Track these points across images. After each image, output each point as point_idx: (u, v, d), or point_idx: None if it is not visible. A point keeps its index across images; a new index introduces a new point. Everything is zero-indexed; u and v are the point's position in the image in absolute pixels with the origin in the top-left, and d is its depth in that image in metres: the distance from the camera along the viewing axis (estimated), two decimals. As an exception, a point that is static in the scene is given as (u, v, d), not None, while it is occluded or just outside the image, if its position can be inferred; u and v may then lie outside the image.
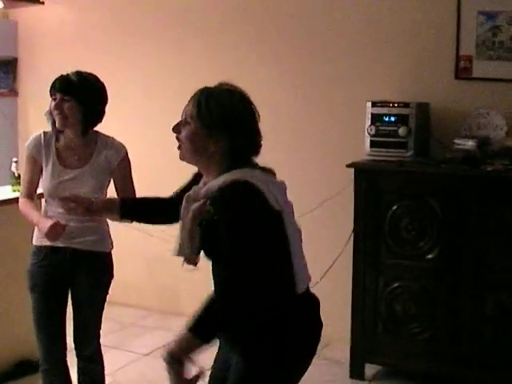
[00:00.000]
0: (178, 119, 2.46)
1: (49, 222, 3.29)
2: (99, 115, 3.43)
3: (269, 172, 2.41)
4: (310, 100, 5.06)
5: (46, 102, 3.41)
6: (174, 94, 5.38)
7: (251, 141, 2.42)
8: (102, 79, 3.45)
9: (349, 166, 4.36)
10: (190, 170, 2.57)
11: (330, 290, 4.37)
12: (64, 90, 3.32)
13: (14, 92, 6.22)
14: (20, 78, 6.26)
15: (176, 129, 2.44)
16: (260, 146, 2.43)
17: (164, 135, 5.41)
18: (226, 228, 2.22)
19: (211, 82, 2.48)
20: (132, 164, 3.46)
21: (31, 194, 3.51)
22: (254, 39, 5.23)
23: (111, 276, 3.55)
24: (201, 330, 2.19)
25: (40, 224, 3.35)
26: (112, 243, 3.55)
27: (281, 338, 2.35)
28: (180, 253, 2.43)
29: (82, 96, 3.33)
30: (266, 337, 2.34)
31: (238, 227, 2.22)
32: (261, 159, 2.45)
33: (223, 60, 5.31)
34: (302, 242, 2.47)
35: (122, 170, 3.45)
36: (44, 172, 3.42)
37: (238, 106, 2.40)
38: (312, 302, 2.49)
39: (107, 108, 3.43)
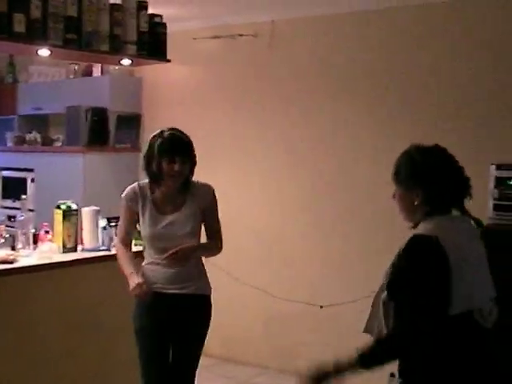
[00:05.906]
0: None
1: (136, 280, 3.47)
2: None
3: (465, 217, 2.61)
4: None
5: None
6: (287, 152, 5.44)
7: (446, 189, 2.58)
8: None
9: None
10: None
11: None
12: (184, 154, 3.53)
13: (136, 147, 6.36)
14: (143, 134, 6.38)
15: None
16: (463, 192, 2.62)
17: (285, 197, 5.42)
18: (401, 271, 2.45)
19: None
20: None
21: (127, 242, 3.74)
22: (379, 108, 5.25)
23: (211, 317, 3.71)
24: (368, 357, 2.42)
25: (129, 279, 3.52)
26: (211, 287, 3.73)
27: (430, 356, 2.43)
28: (367, 329, 2.58)
29: (192, 155, 3.58)
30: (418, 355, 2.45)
31: (410, 273, 2.42)
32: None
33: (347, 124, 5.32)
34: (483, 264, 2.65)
35: (212, 206, 3.67)
36: (141, 219, 3.62)
37: (424, 159, 2.59)
38: (474, 329, 2.49)
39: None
